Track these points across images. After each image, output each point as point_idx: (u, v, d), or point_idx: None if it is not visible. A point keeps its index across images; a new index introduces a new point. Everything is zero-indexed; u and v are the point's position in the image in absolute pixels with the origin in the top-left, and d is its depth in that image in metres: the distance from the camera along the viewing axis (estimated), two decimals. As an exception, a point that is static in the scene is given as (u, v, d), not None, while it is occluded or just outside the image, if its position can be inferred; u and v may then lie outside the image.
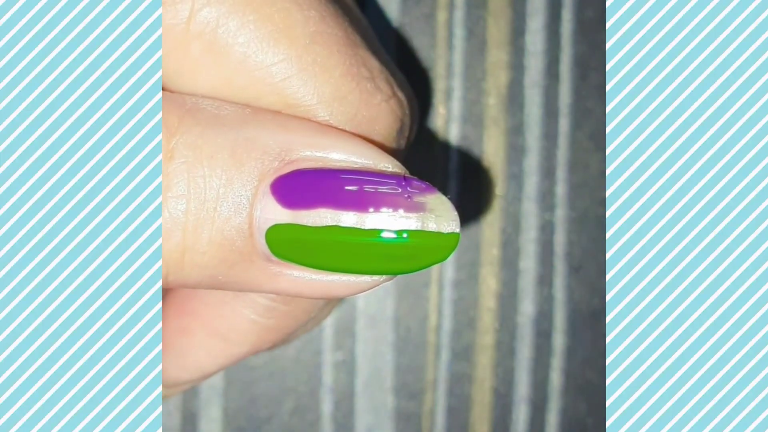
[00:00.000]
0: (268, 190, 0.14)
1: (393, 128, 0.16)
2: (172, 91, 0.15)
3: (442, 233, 0.14)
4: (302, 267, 0.14)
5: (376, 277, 0.15)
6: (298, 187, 0.14)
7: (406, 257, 0.14)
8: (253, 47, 0.14)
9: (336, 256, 0.14)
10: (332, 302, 0.21)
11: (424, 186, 0.14)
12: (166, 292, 0.19)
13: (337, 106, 0.15)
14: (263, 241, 0.14)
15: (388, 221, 0.14)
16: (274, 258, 0.14)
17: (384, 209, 0.14)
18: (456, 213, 0.14)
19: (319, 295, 0.15)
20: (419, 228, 0.14)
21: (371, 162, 0.14)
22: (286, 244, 0.14)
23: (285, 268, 0.15)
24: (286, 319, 0.18)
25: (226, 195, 0.14)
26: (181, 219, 0.14)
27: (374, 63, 0.15)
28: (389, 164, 0.14)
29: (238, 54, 0.14)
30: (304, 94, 0.15)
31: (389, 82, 0.16)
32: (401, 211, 0.14)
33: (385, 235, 0.14)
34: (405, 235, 0.14)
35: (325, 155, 0.14)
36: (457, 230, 0.14)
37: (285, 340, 0.20)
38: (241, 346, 0.18)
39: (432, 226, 0.14)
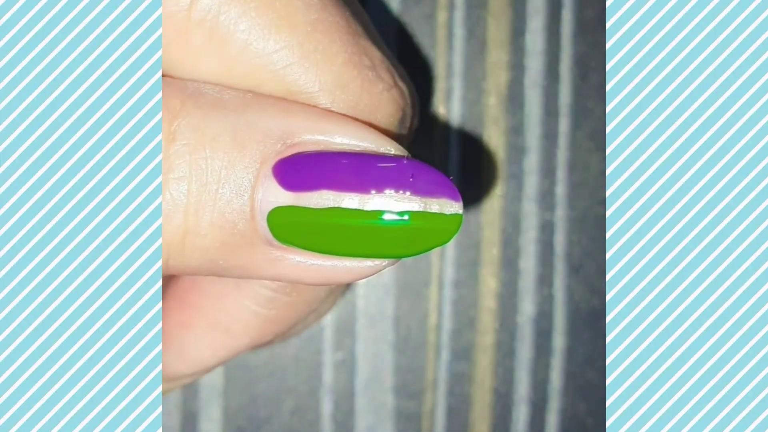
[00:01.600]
0: (269, 172, 0.14)
1: (394, 117, 0.16)
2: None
3: (445, 215, 0.14)
4: (304, 251, 0.14)
5: (378, 262, 0.15)
6: (299, 169, 0.14)
7: (408, 240, 0.14)
8: (254, 34, 0.14)
9: (338, 239, 0.14)
10: (333, 295, 0.21)
11: (426, 168, 0.14)
12: (167, 284, 0.19)
13: (339, 94, 0.15)
14: (265, 224, 0.14)
15: (390, 203, 0.14)
16: (275, 242, 0.14)
17: (386, 191, 0.14)
18: (458, 197, 0.14)
19: (321, 281, 0.15)
20: (421, 210, 0.14)
21: (373, 145, 0.14)
22: (287, 227, 0.14)
23: (287, 252, 0.14)
24: (287, 311, 0.18)
25: (228, 177, 0.14)
26: (182, 201, 0.14)
27: (376, 52, 0.15)
28: (391, 147, 0.14)
29: (239, 41, 0.14)
30: (306, 81, 0.14)
31: (391, 72, 0.16)
32: (403, 193, 0.14)
33: (387, 217, 0.14)
34: (407, 217, 0.14)
35: (327, 139, 0.14)
36: (460, 211, 0.14)
37: (286, 334, 0.20)
38: (243, 338, 0.18)
39: (434, 208, 0.14)
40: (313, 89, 0.15)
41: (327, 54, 0.14)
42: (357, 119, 0.15)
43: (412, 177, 0.14)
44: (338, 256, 0.14)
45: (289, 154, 0.14)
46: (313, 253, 0.14)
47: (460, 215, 0.14)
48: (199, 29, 0.14)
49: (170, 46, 0.14)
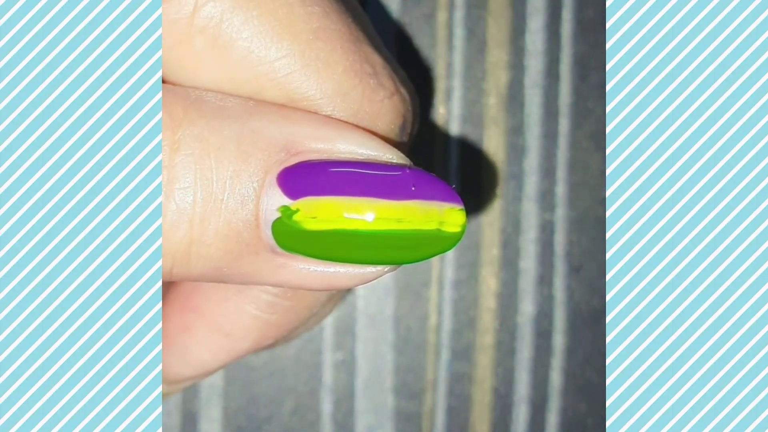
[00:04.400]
0: (274, 181, 0.14)
1: (395, 124, 0.16)
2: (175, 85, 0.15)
3: (448, 222, 0.14)
4: (307, 258, 0.14)
5: (380, 267, 0.15)
6: (303, 178, 0.14)
7: (410, 247, 0.14)
8: (256, 42, 0.14)
9: (341, 247, 0.14)
10: (334, 299, 0.21)
11: (428, 176, 0.14)
12: (168, 288, 0.19)
13: (340, 102, 0.15)
14: (269, 232, 0.14)
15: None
16: (279, 250, 0.14)
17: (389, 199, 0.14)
18: (462, 204, 0.14)
19: (323, 286, 0.15)
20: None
21: (376, 153, 0.14)
22: (291, 235, 0.14)
23: (290, 260, 0.15)
24: (288, 315, 0.18)
25: (233, 187, 0.14)
26: (188, 210, 0.14)
27: (377, 59, 0.15)
28: (394, 156, 0.14)
29: (241, 49, 0.14)
30: (307, 89, 0.15)
31: (392, 79, 0.16)
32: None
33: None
34: None
35: (330, 147, 0.14)
36: (463, 219, 0.14)
37: (286, 337, 0.20)
38: (243, 342, 0.18)
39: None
40: (314, 97, 0.15)
41: (328, 62, 0.15)
42: (359, 127, 0.15)
43: (414, 186, 0.14)
44: (341, 263, 0.14)
45: (293, 162, 0.14)
46: (316, 259, 0.14)
47: (464, 224, 0.14)
48: (202, 36, 0.14)
49: (172, 52, 0.14)
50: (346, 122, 0.15)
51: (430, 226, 0.14)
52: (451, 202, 0.14)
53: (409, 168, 0.14)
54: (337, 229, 0.14)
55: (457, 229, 0.14)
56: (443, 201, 0.14)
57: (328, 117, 0.15)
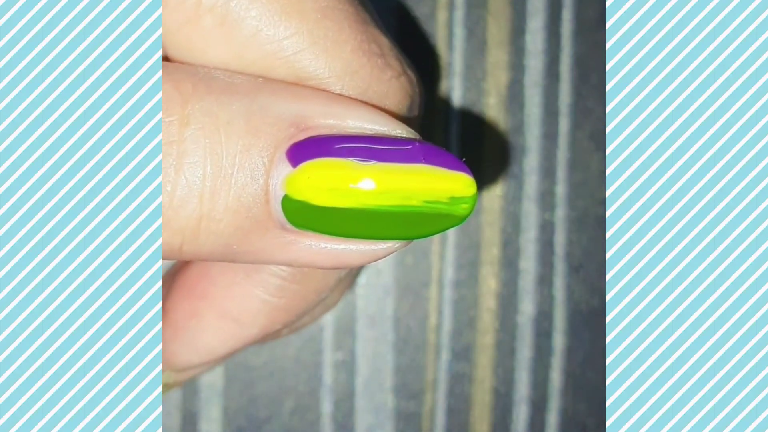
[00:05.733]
0: (283, 157, 0.14)
1: (403, 104, 0.16)
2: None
3: (459, 196, 0.14)
4: (317, 235, 0.14)
5: (390, 244, 0.15)
6: (313, 153, 0.14)
7: (422, 221, 0.14)
8: (264, 21, 0.14)
9: (351, 222, 0.14)
10: (341, 286, 0.21)
11: (438, 150, 0.14)
12: (175, 275, 0.19)
13: (348, 80, 0.15)
14: (279, 208, 0.14)
15: None
16: (289, 226, 0.14)
17: None
18: (472, 176, 0.14)
19: (333, 264, 0.15)
20: None
21: (385, 128, 0.14)
22: (301, 210, 0.14)
23: (299, 236, 0.14)
24: (296, 299, 0.18)
25: (243, 162, 0.14)
26: (197, 185, 0.14)
27: (384, 40, 0.15)
28: (402, 131, 0.14)
29: (249, 27, 0.14)
30: (316, 67, 0.15)
31: (399, 60, 0.16)
32: None
33: None
34: None
35: (339, 122, 0.14)
36: (474, 191, 0.14)
37: (294, 324, 0.20)
38: (252, 327, 0.18)
39: None
40: (323, 75, 0.15)
41: (336, 41, 0.15)
42: (369, 104, 0.15)
43: (423, 159, 0.14)
44: (351, 239, 0.14)
45: (302, 138, 0.14)
46: (326, 236, 0.14)
47: (475, 195, 0.14)
48: (210, 15, 0.14)
49: (181, 31, 0.14)
50: (355, 99, 0.15)
51: (441, 196, 0.14)
52: (461, 172, 0.14)
53: (419, 141, 0.14)
54: (348, 206, 0.14)
55: (468, 202, 0.14)
56: (453, 171, 0.14)
57: (338, 94, 0.15)
